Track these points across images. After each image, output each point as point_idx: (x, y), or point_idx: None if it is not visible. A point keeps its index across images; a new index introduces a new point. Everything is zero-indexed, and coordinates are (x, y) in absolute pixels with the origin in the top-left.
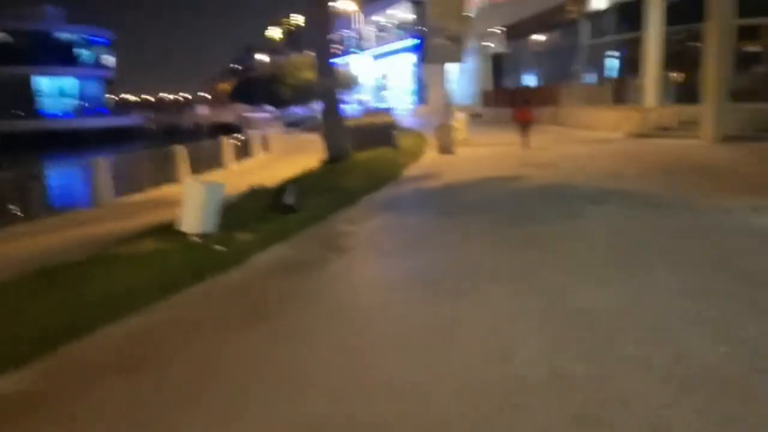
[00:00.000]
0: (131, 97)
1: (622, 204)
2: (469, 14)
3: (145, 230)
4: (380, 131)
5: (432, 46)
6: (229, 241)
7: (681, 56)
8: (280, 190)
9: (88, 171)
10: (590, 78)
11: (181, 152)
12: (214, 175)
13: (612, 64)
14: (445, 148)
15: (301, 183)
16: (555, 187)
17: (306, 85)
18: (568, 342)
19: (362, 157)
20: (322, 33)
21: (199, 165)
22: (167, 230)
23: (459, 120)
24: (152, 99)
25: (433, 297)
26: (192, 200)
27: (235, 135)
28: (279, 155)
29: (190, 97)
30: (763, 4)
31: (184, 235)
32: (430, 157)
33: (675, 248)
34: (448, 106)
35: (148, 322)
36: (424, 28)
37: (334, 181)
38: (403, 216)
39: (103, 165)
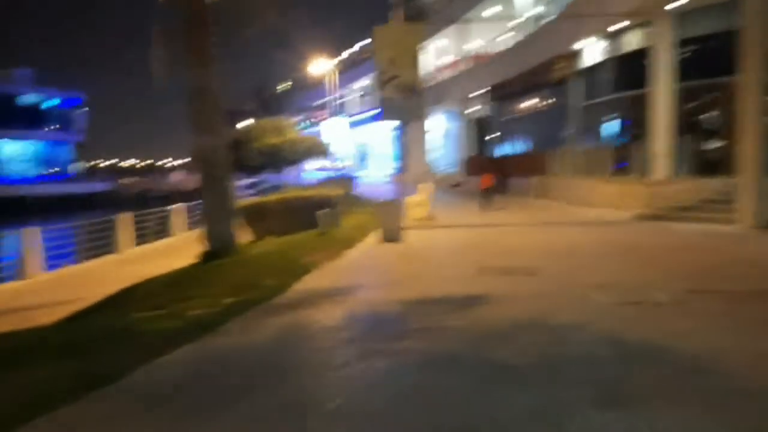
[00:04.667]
0: (107, 162)
1: (668, 407)
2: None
3: None
4: (314, 208)
5: (385, 99)
6: None
7: (699, 117)
8: None
9: None
10: (585, 144)
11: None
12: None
13: (611, 127)
14: (389, 236)
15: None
16: (530, 333)
17: (272, 151)
18: None
19: (259, 249)
20: (198, 69)
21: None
22: None
23: (423, 192)
24: (128, 165)
25: None
26: None
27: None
28: None
29: (174, 163)
30: None
31: None
32: (365, 248)
33: None
34: (401, 177)
35: None
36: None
37: (155, 308)
38: None
39: None
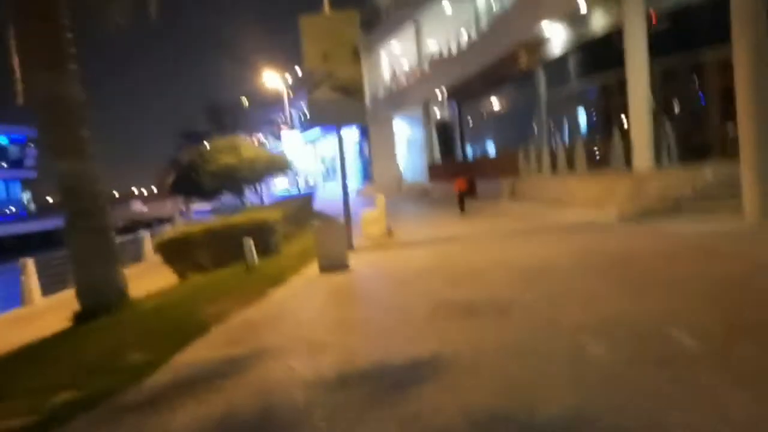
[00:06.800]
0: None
1: None
2: (359, 52)
3: None
4: (248, 236)
5: (314, 101)
6: None
7: (680, 96)
8: None
9: None
10: (557, 139)
11: None
12: None
13: (582, 118)
14: (330, 265)
15: None
16: None
17: (228, 172)
18: None
19: (157, 300)
20: (49, 71)
21: None
22: None
23: (379, 205)
24: None
25: None
26: None
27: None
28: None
29: (138, 192)
30: None
31: None
32: (298, 283)
33: None
34: (368, 189)
35: None
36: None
37: None
38: None
39: None
